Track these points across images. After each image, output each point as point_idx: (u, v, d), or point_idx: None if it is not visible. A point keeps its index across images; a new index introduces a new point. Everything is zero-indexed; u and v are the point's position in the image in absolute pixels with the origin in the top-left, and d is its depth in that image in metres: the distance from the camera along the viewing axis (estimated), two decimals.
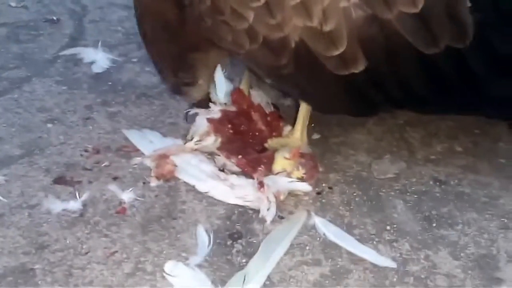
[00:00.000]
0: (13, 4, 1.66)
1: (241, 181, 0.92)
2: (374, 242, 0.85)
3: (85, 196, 0.92)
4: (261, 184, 0.89)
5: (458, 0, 0.75)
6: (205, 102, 1.03)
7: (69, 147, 1.05)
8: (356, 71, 0.76)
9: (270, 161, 0.94)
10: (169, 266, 0.77)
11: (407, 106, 0.90)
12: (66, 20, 1.55)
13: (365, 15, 0.73)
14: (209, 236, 0.84)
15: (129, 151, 1.03)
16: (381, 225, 0.88)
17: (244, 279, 0.76)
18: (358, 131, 1.07)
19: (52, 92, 1.22)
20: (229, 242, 0.84)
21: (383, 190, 0.95)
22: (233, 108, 1.00)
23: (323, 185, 0.96)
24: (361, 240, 0.85)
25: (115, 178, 0.97)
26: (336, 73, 0.77)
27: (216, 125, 0.98)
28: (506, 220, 0.89)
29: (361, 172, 0.98)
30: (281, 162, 0.93)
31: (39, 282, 0.78)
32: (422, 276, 0.79)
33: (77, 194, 0.92)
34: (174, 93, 1.05)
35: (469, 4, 0.76)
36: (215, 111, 0.99)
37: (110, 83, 1.25)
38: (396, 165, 1.00)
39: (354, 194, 0.94)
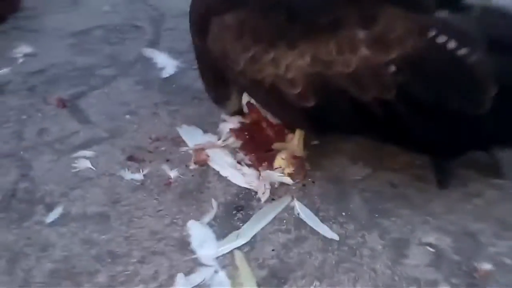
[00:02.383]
0: (106, 8, 2.21)
1: (250, 171, 1.42)
2: (331, 222, 1.32)
3: (146, 170, 1.45)
4: (261, 175, 1.39)
5: (383, 67, 1.17)
6: (238, 114, 1.53)
7: (139, 134, 1.58)
8: (309, 105, 1.20)
9: (273, 159, 1.43)
10: (190, 223, 1.29)
11: (348, 134, 1.35)
12: (147, 26, 2.08)
13: (313, 71, 1.17)
14: (219, 205, 1.35)
15: (179, 141, 1.55)
16: (339, 212, 1.35)
17: (237, 236, 1.26)
18: (345, 142, 1.52)
19: (132, 90, 1.76)
20: (233, 212, 1.35)
21: (350, 188, 1.41)
22: (248, 119, 1.49)
23: (309, 179, 1.43)
24: (322, 219, 1.33)
25: (167, 160, 1.49)
26: (296, 105, 1.21)
27: (236, 132, 1.49)
28: (429, 218, 1.34)
29: (338, 173, 1.45)
30: (279, 160, 1.42)
31: (112, 223, 1.32)
32: (354, 247, 1.27)
33: (141, 169, 1.46)
34: (215, 103, 1.55)
35: (393, 69, 1.18)
36: (234, 122, 1.50)
37: (174, 85, 1.77)
38: (365, 170, 1.45)
39: (329, 188, 1.41)
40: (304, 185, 1.42)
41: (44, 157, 1.50)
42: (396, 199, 1.38)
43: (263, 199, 1.36)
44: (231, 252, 1.25)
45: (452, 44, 1.18)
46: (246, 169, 1.42)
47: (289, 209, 1.35)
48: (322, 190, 1.40)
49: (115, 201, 1.37)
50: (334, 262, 1.23)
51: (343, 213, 1.35)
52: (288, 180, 1.39)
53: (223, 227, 1.31)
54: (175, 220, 1.32)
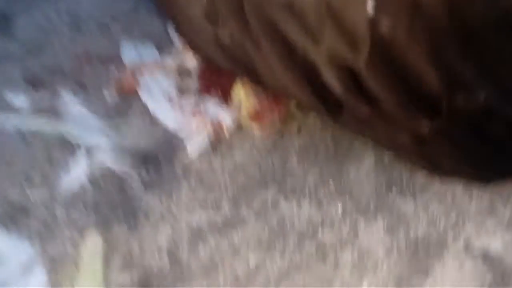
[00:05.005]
0: None
1: (190, 105, 0.83)
2: (301, 197, 0.70)
3: (40, 97, 0.91)
4: (196, 109, 0.79)
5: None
6: None
7: (65, 52, 1.04)
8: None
9: (231, 88, 0.83)
10: None
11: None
12: None
13: None
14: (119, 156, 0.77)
15: (116, 62, 0.99)
16: (325, 179, 0.72)
17: None
18: None
19: None
20: (136, 165, 0.76)
21: (360, 141, 0.77)
22: None
23: (294, 124, 0.81)
24: (287, 191, 0.70)
25: (81, 86, 0.94)
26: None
27: None
28: (498, 204, 0.66)
29: None
30: (237, 90, 0.81)
31: None
32: (329, 245, 0.63)
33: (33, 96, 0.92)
34: None
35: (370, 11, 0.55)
36: None
37: None
38: None
39: (323, 140, 0.78)
40: (280, 132, 0.80)
41: None
42: None
43: (191, 150, 0.77)
44: None
45: None
46: (183, 100, 0.83)
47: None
48: (309, 143, 0.78)
49: None
50: (277, 272, 0.61)
51: (331, 183, 0.71)
52: (225, 116, 0.78)
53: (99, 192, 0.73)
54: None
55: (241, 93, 0.81)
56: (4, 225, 0.68)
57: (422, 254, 0.61)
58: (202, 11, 0.66)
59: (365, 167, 0.73)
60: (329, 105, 0.66)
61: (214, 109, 0.79)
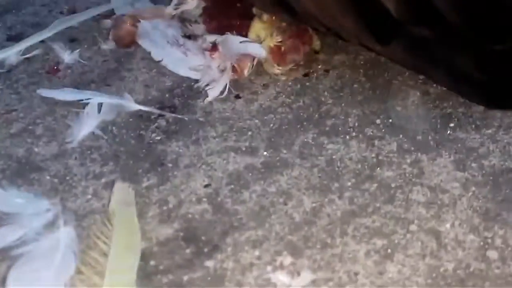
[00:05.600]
0: None
1: (197, 47, 0.73)
2: (347, 137, 0.60)
3: (32, 52, 0.79)
4: (213, 49, 0.69)
5: None
6: None
7: (47, 8, 0.93)
8: None
9: (247, 27, 0.73)
10: None
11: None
12: None
13: None
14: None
15: (107, 14, 0.88)
16: (370, 118, 0.63)
17: None
18: None
19: None
20: (153, 116, 0.66)
21: (399, 79, 0.69)
22: None
23: (319, 66, 0.72)
24: (329, 132, 0.61)
25: (72, 40, 0.82)
26: None
27: None
28: None
29: (380, 56, 0.73)
30: (257, 26, 0.71)
31: None
32: (393, 185, 0.54)
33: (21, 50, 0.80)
34: None
35: None
36: None
37: None
38: None
39: (355, 79, 0.69)
40: (306, 74, 0.70)
41: None
42: None
43: (212, 94, 0.67)
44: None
45: None
46: (191, 44, 0.73)
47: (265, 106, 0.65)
48: (341, 83, 0.69)
49: None
50: (339, 214, 0.52)
51: (378, 121, 0.62)
52: (257, 49, 0.68)
53: (120, 140, 0.62)
54: (30, 127, 0.65)
55: (261, 30, 0.71)
56: (13, 182, 0.57)
57: (505, 186, 0.53)
58: None
59: (411, 103, 0.65)
60: (377, 30, 0.58)
61: (232, 48, 0.69)
